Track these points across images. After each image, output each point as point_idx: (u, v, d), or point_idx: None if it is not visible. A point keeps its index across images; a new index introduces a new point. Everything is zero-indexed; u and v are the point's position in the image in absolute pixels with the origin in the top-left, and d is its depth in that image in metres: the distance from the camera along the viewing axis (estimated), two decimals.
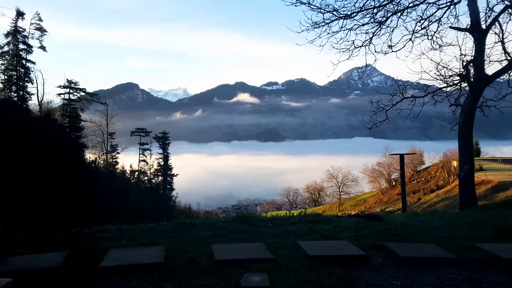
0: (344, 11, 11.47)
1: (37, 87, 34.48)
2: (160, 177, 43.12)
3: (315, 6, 11.31)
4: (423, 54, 11.91)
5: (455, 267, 4.56)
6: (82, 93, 36.17)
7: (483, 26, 11.16)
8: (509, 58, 11.17)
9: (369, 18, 11.64)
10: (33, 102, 32.46)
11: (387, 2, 11.37)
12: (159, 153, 44.44)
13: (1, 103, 27.46)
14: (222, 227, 6.55)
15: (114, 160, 40.43)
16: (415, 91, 12.94)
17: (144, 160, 43.51)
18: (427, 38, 11.92)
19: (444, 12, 11.57)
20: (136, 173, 42.49)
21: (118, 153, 40.71)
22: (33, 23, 31.91)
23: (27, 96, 31.65)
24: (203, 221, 7.20)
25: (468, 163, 11.32)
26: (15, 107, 28.26)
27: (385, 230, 6.37)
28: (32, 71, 31.77)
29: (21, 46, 31.34)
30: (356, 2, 11.36)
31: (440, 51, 12.01)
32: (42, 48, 32.97)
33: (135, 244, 5.41)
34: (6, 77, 30.86)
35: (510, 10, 11.09)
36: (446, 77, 12.25)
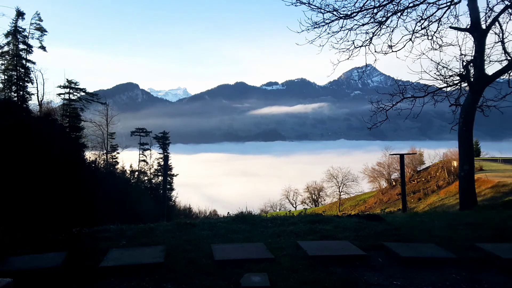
0: (344, 11, 11.48)
1: (37, 87, 34.58)
2: (160, 177, 43.19)
3: (315, 6, 11.32)
4: (423, 54, 11.92)
5: (455, 267, 4.56)
6: (82, 93, 36.29)
7: (483, 26, 11.17)
8: (509, 58, 11.17)
9: (369, 18, 11.65)
10: (33, 102, 32.58)
11: (387, 2, 11.38)
12: (159, 153, 44.50)
13: (1, 103, 27.46)
14: (222, 227, 6.55)
15: (114, 160, 40.49)
16: (415, 91, 12.94)
17: (144, 160, 43.58)
18: (427, 38, 11.93)
19: (444, 12, 11.58)
20: (136, 173, 42.54)
21: (118, 153, 40.79)
22: (33, 23, 32.01)
23: (27, 96, 31.77)
24: (203, 221, 7.20)
25: (468, 163, 11.32)
26: (15, 107, 28.28)
27: (385, 230, 6.36)
28: (32, 71, 31.93)
29: (21, 46, 31.45)
30: (356, 2, 11.37)
31: (440, 51, 12.02)
32: (42, 48, 33.06)
33: (135, 244, 5.41)
34: (6, 77, 30.93)
35: (510, 10, 11.09)
36: (446, 77, 12.26)
